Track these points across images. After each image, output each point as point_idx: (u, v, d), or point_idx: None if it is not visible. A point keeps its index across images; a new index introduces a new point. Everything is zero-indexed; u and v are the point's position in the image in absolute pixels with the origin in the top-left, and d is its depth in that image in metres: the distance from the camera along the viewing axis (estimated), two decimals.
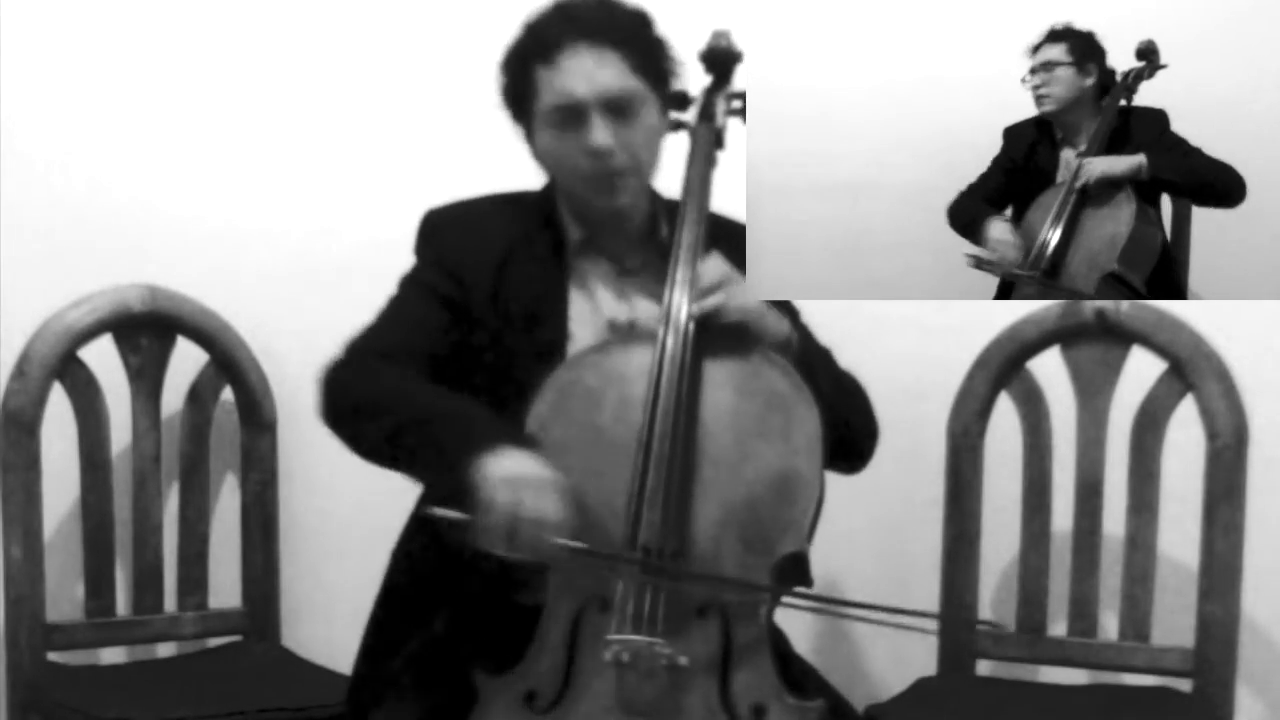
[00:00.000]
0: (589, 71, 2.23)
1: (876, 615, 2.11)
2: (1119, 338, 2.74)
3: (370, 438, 2.18)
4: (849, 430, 2.28)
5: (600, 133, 2.23)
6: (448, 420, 2.11)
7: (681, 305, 2.18)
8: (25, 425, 2.77)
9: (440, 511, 2.03)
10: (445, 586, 2.29)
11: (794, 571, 2.14)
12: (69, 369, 2.82)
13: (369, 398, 2.19)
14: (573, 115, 2.24)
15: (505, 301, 2.29)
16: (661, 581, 2.08)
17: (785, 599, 2.16)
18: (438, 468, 2.08)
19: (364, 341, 2.27)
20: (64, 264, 2.99)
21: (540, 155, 2.32)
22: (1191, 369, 2.68)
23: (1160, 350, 2.71)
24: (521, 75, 2.28)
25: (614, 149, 2.24)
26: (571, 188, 2.32)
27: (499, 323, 2.29)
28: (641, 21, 2.31)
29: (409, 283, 2.34)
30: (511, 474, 2.01)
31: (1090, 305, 2.73)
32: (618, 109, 2.24)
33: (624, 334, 2.28)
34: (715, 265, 2.20)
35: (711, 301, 2.16)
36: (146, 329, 2.91)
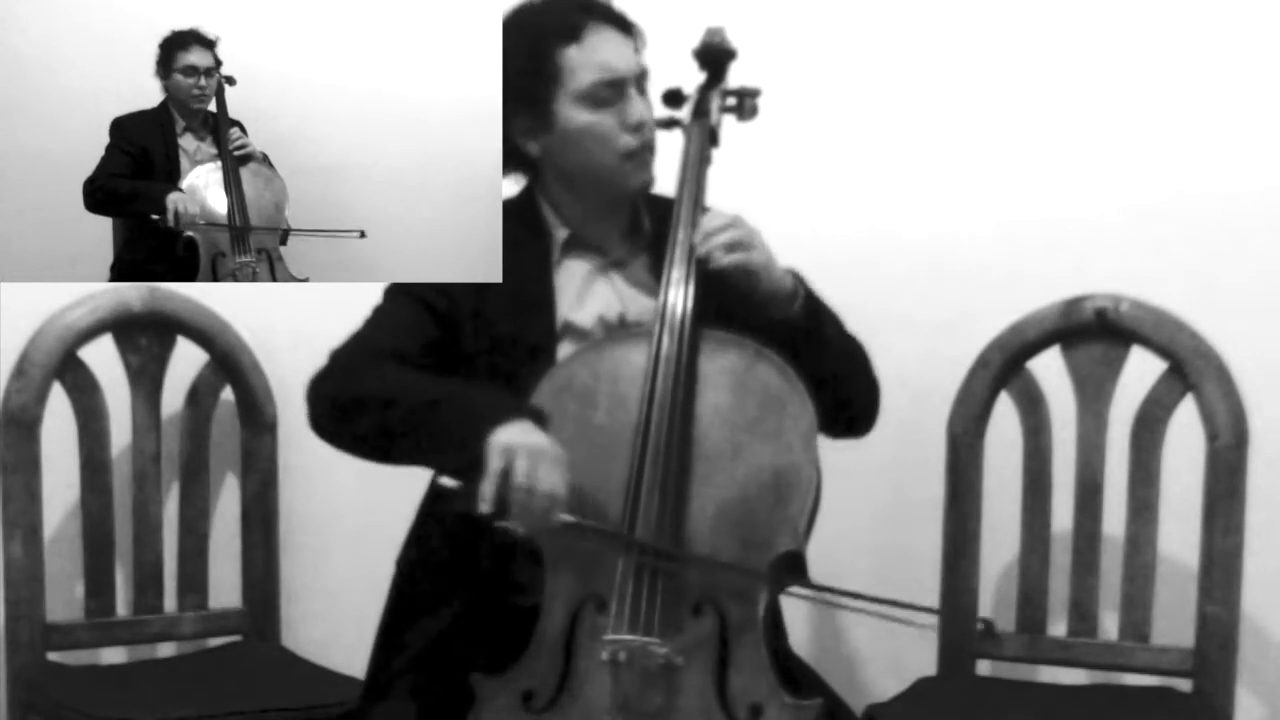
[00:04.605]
0: (622, 50, 2.30)
1: (874, 608, 2.10)
2: (1119, 338, 2.73)
3: (366, 433, 2.20)
4: (854, 397, 2.31)
5: (641, 106, 2.29)
6: (455, 400, 2.13)
7: (677, 304, 2.18)
8: (25, 425, 2.77)
9: (446, 480, 2.08)
10: (449, 588, 2.30)
11: (791, 571, 2.13)
12: (69, 369, 2.82)
13: (364, 394, 2.21)
14: (613, 91, 2.28)
15: (493, 305, 2.30)
16: (653, 562, 2.09)
17: (788, 590, 2.15)
18: (448, 447, 2.10)
19: (350, 347, 2.30)
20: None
21: (564, 140, 2.30)
22: (1191, 369, 2.67)
23: (1160, 350, 2.71)
24: (543, 55, 2.28)
25: (651, 124, 2.31)
26: (600, 170, 2.31)
27: (487, 327, 2.29)
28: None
29: (396, 291, 2.35)
30: (510, 441, 2.04)
31: (1091, 304, 2.73)
32: (642, 88, 2.31)
33: (617, 331, 2.29)
34: (718, 214, 2.22)
35: (722, 238, 2.17)
36: (146, 329, 2.91)
